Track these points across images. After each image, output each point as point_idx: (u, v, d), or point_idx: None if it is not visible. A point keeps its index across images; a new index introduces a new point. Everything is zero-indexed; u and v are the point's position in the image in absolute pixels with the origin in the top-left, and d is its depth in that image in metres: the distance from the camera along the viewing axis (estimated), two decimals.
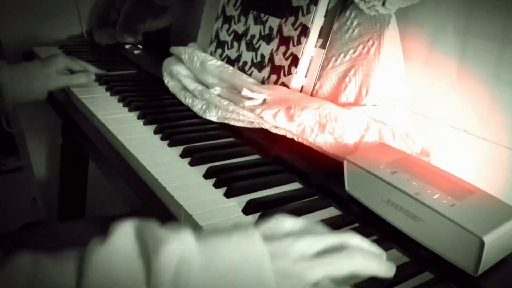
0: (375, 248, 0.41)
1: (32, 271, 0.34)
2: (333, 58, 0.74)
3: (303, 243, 0.38)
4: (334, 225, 0.55)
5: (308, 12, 0.76)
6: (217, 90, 0.81)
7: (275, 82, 0.80)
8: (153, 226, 0.36)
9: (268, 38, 0.82)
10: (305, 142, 0.67)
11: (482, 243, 0.42)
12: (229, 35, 0.91)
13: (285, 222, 0.41)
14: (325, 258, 0.38)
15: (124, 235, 0.35)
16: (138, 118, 0.84)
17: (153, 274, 0.33)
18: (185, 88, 0.88)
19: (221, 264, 0.34)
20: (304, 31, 0.76)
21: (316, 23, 0.75)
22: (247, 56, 0.86)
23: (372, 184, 0.53)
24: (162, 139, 0.75)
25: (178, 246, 0.34)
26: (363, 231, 0.55)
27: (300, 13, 0.77)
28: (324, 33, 0.76)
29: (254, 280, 0.34)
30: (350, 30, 0.73)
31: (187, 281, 0.33)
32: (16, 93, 0.89)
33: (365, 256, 0.39)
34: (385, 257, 0.42)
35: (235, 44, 0.89)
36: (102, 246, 0.34)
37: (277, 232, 0.40)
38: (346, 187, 0.58)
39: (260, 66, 0.83)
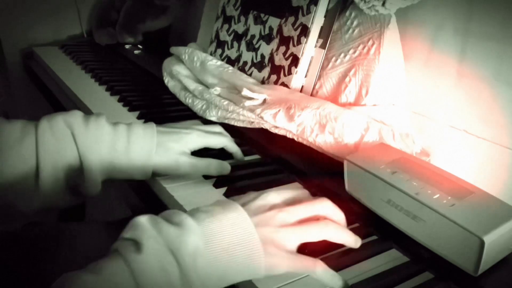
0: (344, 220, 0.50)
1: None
2: (333, 58, 0.74)
3: (284, 214, 0.46)
4: None
5: (308, 12, 0.76)
6: (217, 90, 0.81)
7: (275, 82, 0.80)
8: (164, 223, 0.41)
9: (268, 38, 0.82)
10: (305, 142, 0.67)
11: (482, 243, 0.42)
12: (229, 35, 0.91)
13: (268, 197, 0.48)
14: (302, 226, 0.46)
15: (154, 242, 0.40)
16: (138, 118, 0.84)
17: (183, 266, 0.39)
18: (185, 88, 0.88)
19: (220, 243, 0.42)
20: (304, 31, 0.76)
21: (316, 23, 0.75)
22: (247, 56, 0.86)
23: (372, 184, 0.53)
24: None
25: (193, 238, 0.40)
26: (363, 231, 0.55)
27: (300, 13, 0.77)
28: (324, 33, 0.76)
29: (246, 246, 0.42)
30: (350, 30, 0.73)
31: (199, 263, 0.40)
32: (105, 167, 0.59)
33: (337, 227, 0.48)
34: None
35: (235, 44, 0.89)
36: (140, 256, 0.38)
37: (262, 206, 0.46)
38: (346, 187, 0.58)
39: (260, 66, 0.83)
